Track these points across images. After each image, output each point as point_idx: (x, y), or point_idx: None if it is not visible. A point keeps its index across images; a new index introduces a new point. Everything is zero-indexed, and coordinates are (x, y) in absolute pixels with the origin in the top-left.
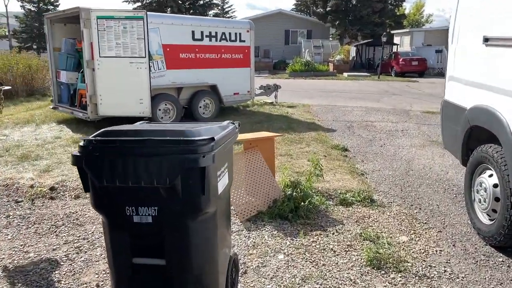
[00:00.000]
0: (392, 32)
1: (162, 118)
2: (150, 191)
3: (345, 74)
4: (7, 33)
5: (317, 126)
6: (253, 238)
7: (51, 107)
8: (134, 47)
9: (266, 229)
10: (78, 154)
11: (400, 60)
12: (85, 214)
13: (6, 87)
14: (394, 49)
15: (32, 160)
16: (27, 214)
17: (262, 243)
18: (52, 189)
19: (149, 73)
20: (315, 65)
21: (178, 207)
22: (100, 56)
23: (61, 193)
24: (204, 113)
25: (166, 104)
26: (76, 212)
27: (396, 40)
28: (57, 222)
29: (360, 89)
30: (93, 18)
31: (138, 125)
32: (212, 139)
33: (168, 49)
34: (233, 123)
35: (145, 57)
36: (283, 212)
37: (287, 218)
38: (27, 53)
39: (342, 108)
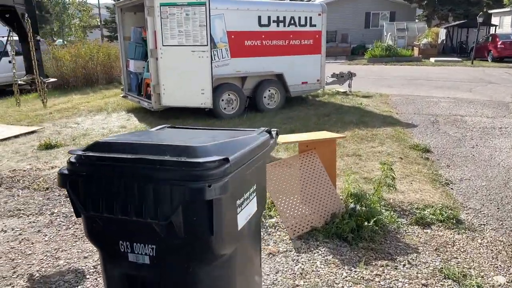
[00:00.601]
0: (490, 11)
1: (225, 109)
2: (144, 225)
3: (432, 60)
4: (99, 23)
5: (395, 120)
6: (302, 264)
7: (122, 95)
8: (196, 35)
9: (320, 252)
10: (66, 172)
11: (499, 43)
12: None
13: (52, 80)
14: (492, 30)
15: None
16: (71, 213)
17: (313, 271)
18: None
19: (211, 62)
20: (398, 50)
21: (180, 248)
22: (163, 45)
23: None
24: (268, 103)
25: (229, 95)
26: None
27: (495, 20)
28: None
29: (449, 77)
30: (157, 5)
31: (143, 135)
32: (226, 160)
33: (232, 36)
34: (269, 132)
35: (207, 45)
36: (342, 231)
37: (347, 240)
38: (108, 43)
39: (426, 99)
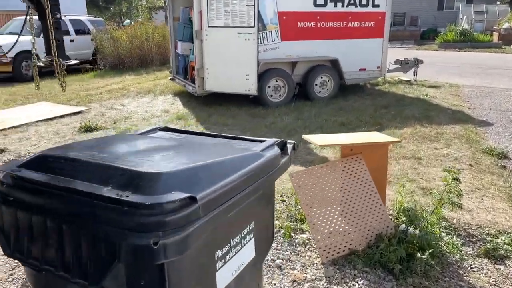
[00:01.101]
0: None
1: (271, 96)
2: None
3: None
4: (163, 5)
5: (466, 116)
6: None
7: (169, 78)
8: (243, 16)
9: (357, 285)
10: None
11: None
12: None
13: (73, 61)
14: None
15: None
16: None
17: None
18: None
19: (257, 45)
20: (474, 35)
21: None
22: (208, 26)
23: None
24: (320, 92)
25: (277, 81)
26: None
27: None
28: None
29: None
30: None
31: (101, 145)
32: (191, 200)
33: (284, 17)
34: (283, 145)
35: (254, 26)
36: (388, 260)
37: (392, 272)
38: (165, 24)
39: (505, 92)
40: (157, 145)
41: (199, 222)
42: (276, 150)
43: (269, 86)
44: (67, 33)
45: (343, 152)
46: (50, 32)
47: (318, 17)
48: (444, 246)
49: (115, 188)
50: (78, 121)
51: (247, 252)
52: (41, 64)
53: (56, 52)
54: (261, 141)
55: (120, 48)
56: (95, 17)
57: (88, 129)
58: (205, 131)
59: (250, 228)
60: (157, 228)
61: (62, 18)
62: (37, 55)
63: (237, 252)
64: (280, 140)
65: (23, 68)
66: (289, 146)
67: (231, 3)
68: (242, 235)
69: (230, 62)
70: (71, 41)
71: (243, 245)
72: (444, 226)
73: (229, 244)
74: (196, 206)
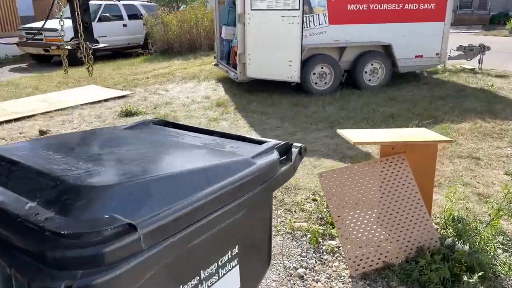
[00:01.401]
0: None
1: (316, 83)
2: None
3: None
4: None
5: None
6: None
7: (214, 64)
8: None
9: None
10: None
11: None
12: None
13: (101, 45)
14: None
15: None
16: None
17: None
18: None
19: (302, 29)
20: None
21: None
22: (251, 9)
23: None
24: (370, 80)
25: (322, 67)
26: None
27: None
28: None
29: None
30: None
31: (58, 143)
32: (130, 227)
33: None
34: (288, 148)
35: (298, 9)
36: (429, 280)
37: None
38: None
39: None
40: (127, 147)
41: (141, 257)
42: (274, 155)
43: (314, 73)
44: (120, 18)
45: (383, 150)
46: (76, 14)
47: None
48: (499, 267)
49: (41, 204)
50: (120, 105)
51: (228, 284)
52: (68, 47)
53: (82, 35)
54: (262, 143)
55: (170, 33)
56: (148, 1)
57: (128, 113)
58: (204, 128)
59: (233, 253)
60: (76, 266)
61: (116, 2)
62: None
63: (212, 285)
64: (282, 142)
65: (77, 51)
66: (295, 151)
67: None
68: (220, 264)
69: (272, 48)
70: (124, 25)
71: (221, 275)
72: (501, 241)
73: (198, 277)
74: (136, 236)
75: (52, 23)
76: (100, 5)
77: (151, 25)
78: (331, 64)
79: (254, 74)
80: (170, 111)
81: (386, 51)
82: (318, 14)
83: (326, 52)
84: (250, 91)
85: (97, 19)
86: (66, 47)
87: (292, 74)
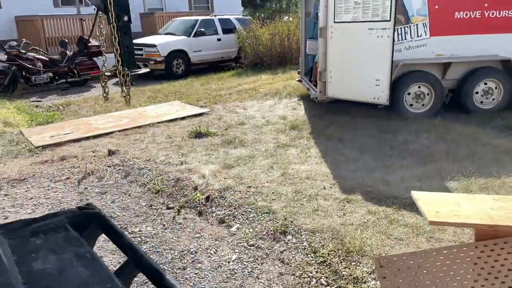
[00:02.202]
0: None
1: (411, 105)
2: None
3: None
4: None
5: None
6: None
7: (297, 79)
8: (376, 7)
9: None
10: None
11: None
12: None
13: (141, 71)
14: None
15: (232, 147)
16: (155, 234)
17: None
18: (207, 199)
19: (393, 44)
20: None
21: None
22: (334, 22)
23: (215, 207)
24: (482, 102)
25: (420, 87)
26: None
27: None
28: (165, 259)
29: None
30: None
31: None
32: None
33: (436, 7)
34: None
35: (389, 20)
36: None
37: None
38: None
39: None
40: None
41: None
42: None
43: (409, 93)
44: (215, 32)
45: (479, 233)
46: (113, 38)
47: (486, 4)
48: None
49: None
50: (195, 124)
51: None
52: (108, 73)
53: (120, 60)
54: None
55: (261, 47)
56: (243, 15)
57: (198, 135)
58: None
59: None
60: None
61: (212, 17)
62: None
63: None
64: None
65: (174, 66)
66: None
67: None
68: None
69: (357, 65)
70: (218, 39)
71: None
72: None
73: None
74: None
75: (150, 39)
76: (197, 20)
77: (242, 39)
78: (431, 83)
79: (335, 94)
80: (240, 133)
81: (506, 68)
82: (417, 25)
83: (425, 68)
84: (331, 112)
85: (193, 34)
86: (105, 73)
87: (379, 95)
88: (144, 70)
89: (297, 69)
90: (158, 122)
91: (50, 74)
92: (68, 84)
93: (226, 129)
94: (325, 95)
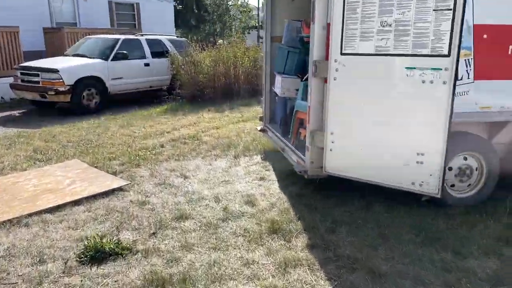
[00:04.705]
0: None
1: (452, 186)
2: None
3: None
4: (256, 24)
5: None
6: None
7: (259, 128)
8: (421, 33)
9: None
10: None
11: None
12: None
13: None
14: None
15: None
16: None
17: None
18: None
19: (453, 94)
20: None
21: None
22: (342, 53)
23: None
24: None
25: (466, 158)
26: None
27: None
28: None
29: None
30: None
31: None
32: None
33: (485, 36)
34: None
35: (448, 55)
36: None
37: None
38: (257, 46)
39: None
40: None
41: None
42: None
43: (450, 168)
44: (142, 56)
45: None
46: None
47: None
48: None
49: None
50: (97, 219)
51: None
52: None
53: None
54: None
55: (201, 76)
56: (177, 36)
57: (96, 255)
58: None
59: None
60: None
61: (138, 37)
62: None
63: None
64: None
65: (84, 98)
66: None
67: (396, 8)
68: None
69: (381, 125)
70: (146, 65)
71: None
72: None
73: None
74: None
75: (51, 62)
76: (117, 39)
77: (177, 65)
78: (478, 150)
79: (341, 170)
80: (179, 247)
81: None
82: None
83: (469, 129)
84: (328, 191)
85: (111, 56)
86: None
87: (423, 178)
88: None
89: (246, 105)
90: (30, 214)
91: None
92: None
93: (153, 233)
94: (321, 169)
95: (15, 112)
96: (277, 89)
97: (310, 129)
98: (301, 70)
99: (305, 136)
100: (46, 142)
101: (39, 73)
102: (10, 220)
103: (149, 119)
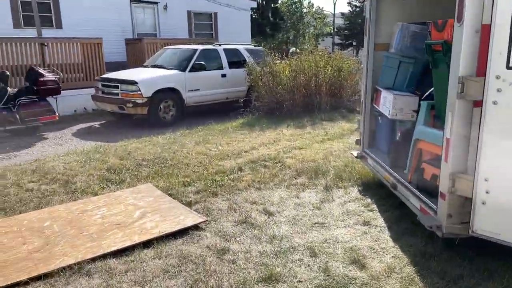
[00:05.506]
0: None
1: None
2: None
3: None
4: (331, 31)
5: None
6: None
7: (355, 154)
8: None
9: None
10: None
11: None
12: None
13: None
14: None
15: None
16: None
17: None
18: None
19: None
20: None
21: None
22: (508, 67)
23: None
24: None
25: None
26: None
27: None
28: None
29: None
30: None
31: None
32: None
33: None
34: None
35: None
36: None
37: None
38: (340, 52)
39: None
40: None
41: None
42: None
43: None
44: (219, 66)
45: None
46: None
47: None
48: None
49: None
50: (169, 271)
51: None
52: None
53: None
54: None
55: (280, 87)
56: (254, 45)
57: None
58: None
59: None
60: None
61: (215, 47)
62: None
63: None
64: None
65: (161, 110)
66: None
67: None
68: None
69: None
70: (223, 75)
71: None
72: None
73: None
74: None
75: (130, 74)
76: (195, 50)
77: (255, 76)
78: None
79: (498, 233)
80: None
81: None
82: None
83: None
84: (465, 250)
85: (189, 68)
86: None
87: None
88: None
89: (330, 121)
90: (93, 259)
91: None
92: (9, 133)
93: None
94: (464, 227)
95: (96, 124)
96: (385, 108)
97: (449, 171)
98: (414, 86)
99: (431, 175)
100: (120, 159)
101: (118, 84)
102: (70, 267)
103: (225, 135)
